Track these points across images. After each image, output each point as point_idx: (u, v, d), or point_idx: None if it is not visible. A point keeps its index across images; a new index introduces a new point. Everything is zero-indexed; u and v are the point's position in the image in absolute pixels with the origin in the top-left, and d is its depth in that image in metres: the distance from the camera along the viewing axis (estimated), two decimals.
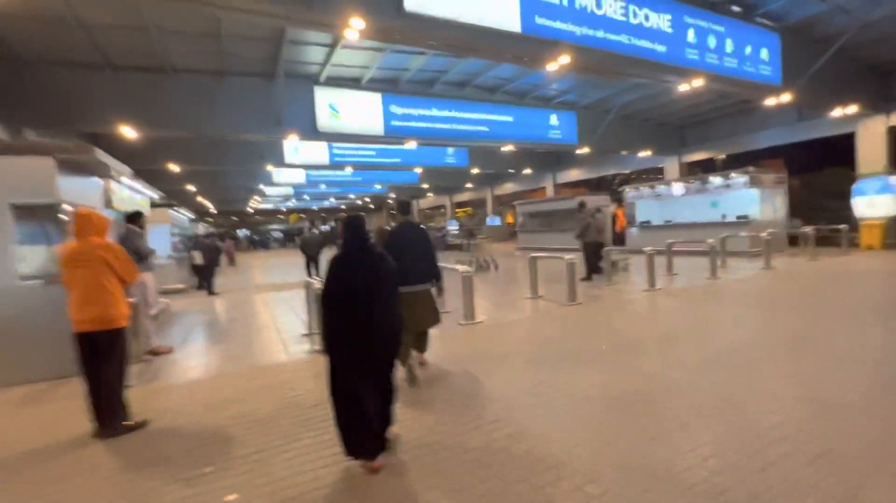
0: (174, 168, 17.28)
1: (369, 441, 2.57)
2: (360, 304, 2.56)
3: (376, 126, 12.39)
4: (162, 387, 4.43)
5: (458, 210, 39.87)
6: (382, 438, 2.61)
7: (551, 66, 8.27)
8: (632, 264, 11.48)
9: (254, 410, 3.61)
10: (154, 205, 13.00)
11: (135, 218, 5.66)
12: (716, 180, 13.91)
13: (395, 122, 12.65)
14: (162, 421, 3.51)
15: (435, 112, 13.26)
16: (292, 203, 42.52)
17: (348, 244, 2.72)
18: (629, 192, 16.75)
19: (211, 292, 11.28)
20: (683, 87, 10.32)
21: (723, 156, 19.22)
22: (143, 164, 17.12)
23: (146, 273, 5.53)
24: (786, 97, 10.80)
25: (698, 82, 9.64)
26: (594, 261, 9.62)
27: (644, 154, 18.83)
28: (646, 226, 16.14)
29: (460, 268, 6.33)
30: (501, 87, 14.18)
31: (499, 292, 9.24)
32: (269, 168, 19.04)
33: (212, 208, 43.51)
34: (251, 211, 46.94)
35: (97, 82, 9.67)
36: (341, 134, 11.93)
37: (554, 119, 15.43)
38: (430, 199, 41.49)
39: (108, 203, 6.84)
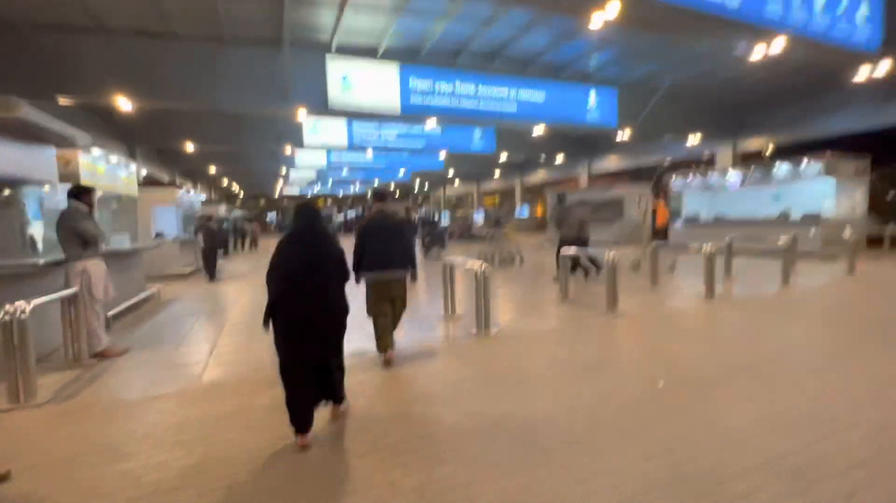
0: (189, 147, 16.72)
1: (311, 416, 2.71)
2: (301, 283, 2.64)
3: (393, 101, 11.20)
4: (78, 408, 3.46)
5: (485, 199, 38.39)
6: (341, 389, 2.94)
7: (596, 20, 6.82)
8: (678, 264, 9.95)
9: (183, 466, 2.56)
10: (153, 182, 12.39)
11: (80, 193, 4.69)
12: (782, 168, 12.00)
13: (414, 98, 11.42)
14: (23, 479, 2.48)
15: (459, 87, 11.94)
16: (318, 188, 42.15)
17: (298, 226, 2.81)
18: (674, 181, 14.95)
19: (211, 278, 10.52)
20: (755, 55, 8.60)
21: (770, 145, 16.97)
22: (160, 142, 16.73)
23: (91, 261, 4.59)
24: (884, 66, 8.88)
25: (778, 46, 7.90)
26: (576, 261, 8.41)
27: (693, 140, 16.86)
28: (693, 221, 14.36)
29: (472, 264, 5.10)
30: (535, 60, 12.68)
31: (523, 292, 7.97)
32: (288, 149, 18.21)
33: (240, 192, 43.91)
34: (278, 195, 46.95)
35: (90, 48, 8.90)
36: (355, 109, 10.82)
37: (593, 97, 13.80)
38: (457, 187, 40.18)
39: (70, 178, 6.03)
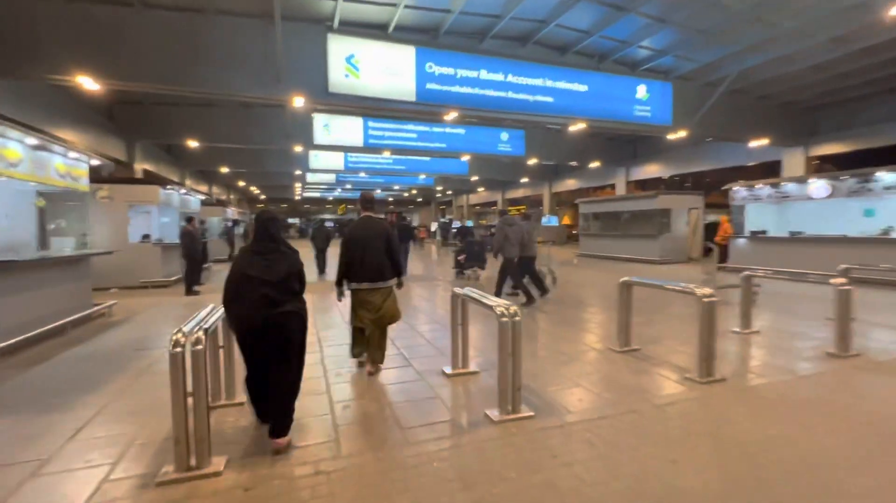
0: (193, 143, 15.52)
1: (275, 417, 2.73)
2: (258, 292, 2.64)
3: (406, 88, 9.50)
4: None
5: (510, 208, 36.35)
6: (288, 419, 2.76)
7: None
8: (760, 291, 7.79)
9: None
10: (132, 180, 11.04)
11: None
12: (884, 177, 9.65)
13: (431, 85, 9.69)
14: None
15: (484, 75, 10.14)
16: (338, 193, 41.09)
17: (256, 236, 2.85)
18: (736, 191, 12.69)
19: (188, 290, 8.99)
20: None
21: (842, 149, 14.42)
22: (162, 137, 15.59)
23: None
24: None
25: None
26: (520, 280, 7.57)
27: (757, 143, 14.52)
28: (760, 237, 12.05)
29: (497, 305, 3.22)
30: (575, 45, 10.79)
31: (557, 328, 6.02)
32: (299, 148, 16.81)
33: (260, 195, 43.34)
34: (298, 198, 46.19)
35: (46, 15, 7.50)
36: (361, 97, 9.16)
37: (642, 91, 11.77)
38: (481, 195, 38.35)
39: None
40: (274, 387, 2.72)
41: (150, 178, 11.04)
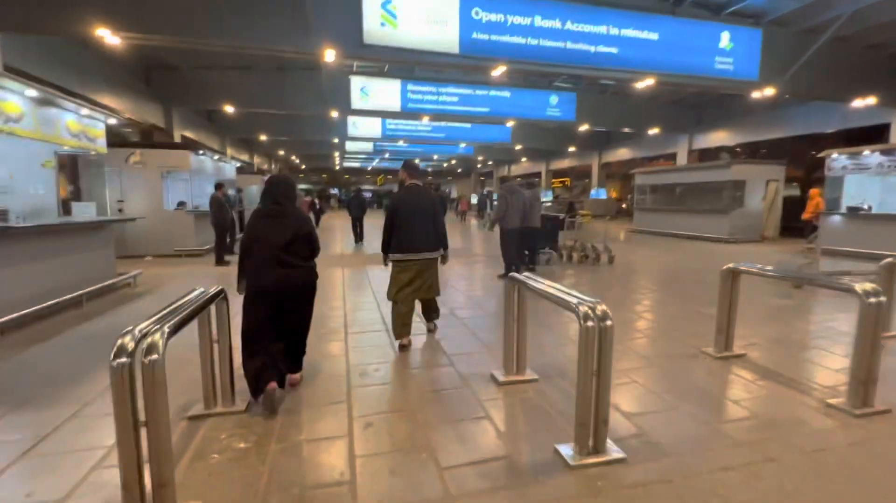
0: (229, 108, 15.12)
1: (288, 355, 2.87)
2: (276, 257, 2.71)
3: (449, 38, 8.36)
4: None
5: (554, 180, 34.53)
6: (300, 357, 3.03)
7: None
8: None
9: None
10: (164, 145, 10.68)
11: None
12: None
13: (477, 34, 8.50)
14: None
15: (539, 21, 8.79)
16: (377, 163, 40.51)
17: (265, 200, 2.86)
18: (835, 159, 10.77)
19: (218, 261, 8.60)
20: None
21: None
22: (199, 103, 15.27)
23: None
24: None
25: None
26: (515, 254, 7.15)
27: (863, 103, 12.28)
28: (859, 214, 10.24)
29: (582, 306, 2.28)
30: None
31: (629, 324, 5.01)
32: (335, 113, 16.07)
33: (301, 165, 43.54)
34: (338, 168, 46.10)
35: None
36: (398, 48, 8.14)
37: (725, 39, 9.97)
38: (523, 165, 36.56)
39: None
40: (285, 333, 2.86)
41: (183, 144, 10.66)
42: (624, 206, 29.27)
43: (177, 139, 14.88)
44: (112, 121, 6.29)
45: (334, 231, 17.62)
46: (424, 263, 3.82)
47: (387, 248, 3.87)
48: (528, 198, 7.29)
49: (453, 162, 40.15)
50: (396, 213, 3.77)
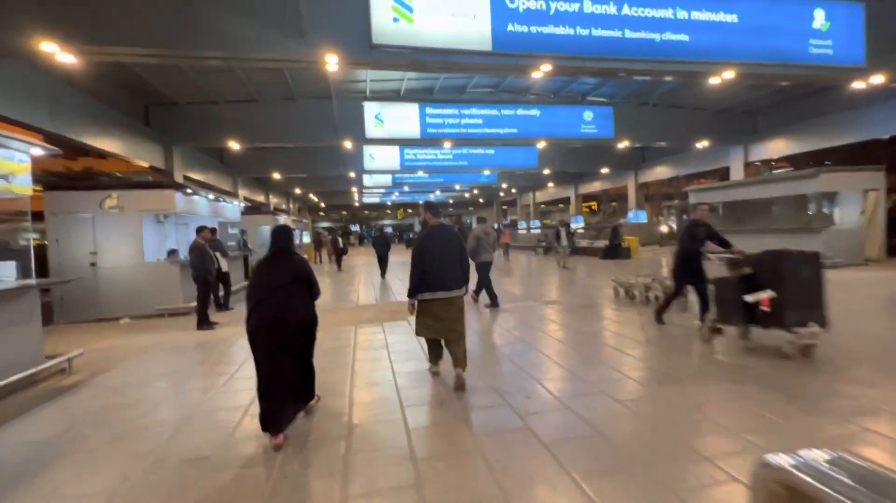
0: (234, 145, 13.90)
1: (282, 415, 2.97)
2: (276, 297, 2.96)
3: (479, 33, 6.69)
4: None
5: (584, 204, 32.46)
6: (292, 413, 3.12)
7: None
8: None
9: None
10: (144, 185, 9.26)
11: None
12: None
13: (514, 26, 6.80)
14: None
15: (589, 7, 7.06)
16: (396, 197, 39.36)
17: (271, 248, 3.18)
18: None
19: (201, 322, 6.81)
20: None
21: None
22: (204, 140, 14.13)
23: None
24: None
25: None
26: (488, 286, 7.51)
27: None
28: None
29: None
30: None
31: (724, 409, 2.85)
32: (348, 144, 14.69)
33: (319, 203, 42.84)
34: (357, 205, 45.23)
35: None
36: (415, 48, 6.49)
37: (820, 18, 8.01)
38: (550, 191, 34.63)
39: None
40: (293, 363, 3.10)
41: (168, 183, 9.25)
42: (664, 229, 26.78)
43: (178, 179, 13.68)
44: (37, 151, 4.68)
45: (355, 272, 15.86)
46: (451, 301, 3.79)
47: (415, 291, 3.79)
48: (486, 231, 7.76)
49: (475, 191, 38.57)
50: (424, 253, 3.77)
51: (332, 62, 6.52)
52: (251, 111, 13.77)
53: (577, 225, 29.83)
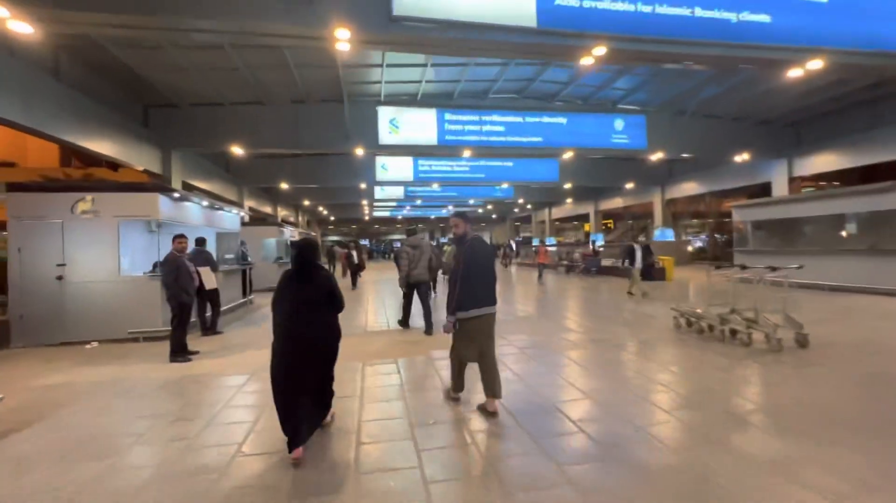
0: (236, 149, 12.88)
1: (301, 430, 2.89)
2: (301, 312, 2.97)
3: (521, 7, 5.53)
4: None
5: (605, 221, 31.05)
6: (311, 428, 3.05)
7: None
8: None
9: None
10: (123, 186, 8.19)
11: None
12: None
13: (563, 0, 5.64)
14: None
15: None
16: (407, 211, 38.35)
17: (296, 263, 3.10)
18: None
19: (176, 351, 5.56)
20: None
21: None
22: (206, 144, 13.15)
23: None
24: None
25: None
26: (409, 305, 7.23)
27: None
28: None
29: None
30: None
31: None
32: (360, 151, 13.60)
33: (329, 216, 42.00)
34: (367, 219, 44.27)
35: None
36: (442, 21, 5.35)
37: None
38: (567, 207, 33.30)
39: None
40: (318, 389, 3.11)
41: (151, 185, 8.14)
42: (689, 248, 25.22)
43: (176, 185, 12.68)
44: None
45: (367, 290, 14.57)
46: (492, 318, 3.64)
47: (459, 307, 3.45)
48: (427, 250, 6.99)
49: (489, 207, 37.42)
50: (472, 266, 3.49)
51: (343, 38, 5.38)
52: (257, 114, 12.80)
53: (599, 242, 28.45)
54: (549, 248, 21.42)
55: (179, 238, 5.72)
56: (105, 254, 6.91)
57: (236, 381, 4.68)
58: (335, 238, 51.31)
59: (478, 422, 3.43)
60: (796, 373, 4.46)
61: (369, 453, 2.98)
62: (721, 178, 20.03)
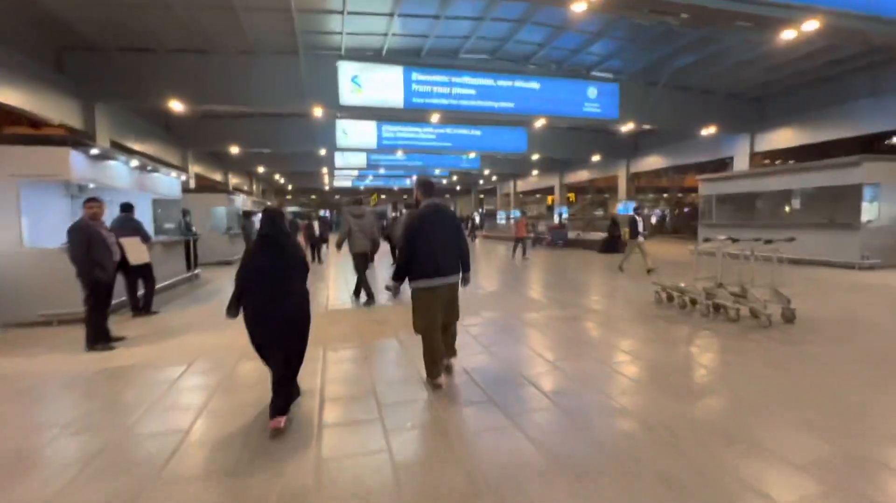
0: (175, 104, 11.34)
1: (276, 400, 2.83)
2: (269, 283, 2.85)
3: None
4: None
5: (569, 194, 31.11)
6: (287, 401, 2.91)
7: None
8: None
9: None
10: (21, 138, 6.93)
11: None
12: None
13: None
14: None
15: None
16: (369, 181, 36.83)
17: (261, 231, 2.98)
18: None
19: (93, 340, 4.63)
20: None
21: None
22: (138, 99, 11.53)
23: None
24: None
25: None
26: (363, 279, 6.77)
27: None
28: None
29: None
30: None
31: None
32: (318, 111, 12.40)
33: (286, 185, 39.72)
34: (327, 189, 42.30)
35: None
36: None
37: None
38: (533, 180, 33.07)
39: None
40: (279, 361, 2.88)
41: (60, 137, 6.77)
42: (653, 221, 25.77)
43: (102, 144, 11.07)
44: None
45: (329, 265, 13.66)
46: (450, 288, 3.51)
47: (404, 274, 3.44)
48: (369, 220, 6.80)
49: (454, 178, 36.58)
50: (418, 234, 3.37)
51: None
52: (200, 65, 11.27)
53: (563, 215, 28.53)
54: (500, 221, 21.04)
55: (90, 202, 4.68)
56: (2, 221, 5.70)
57: (168, 375, 3.89)
58: (294, 209, 48.89)
59: (473, 421, 2.88)
60: (798, 353, 4.20)
61: (335, 478, 2.35)
62: (684, 153, 20.22)
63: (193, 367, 4.07)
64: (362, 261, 6.72)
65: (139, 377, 3.89)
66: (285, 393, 2.89)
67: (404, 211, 8.63)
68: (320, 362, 4.13)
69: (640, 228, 10.11)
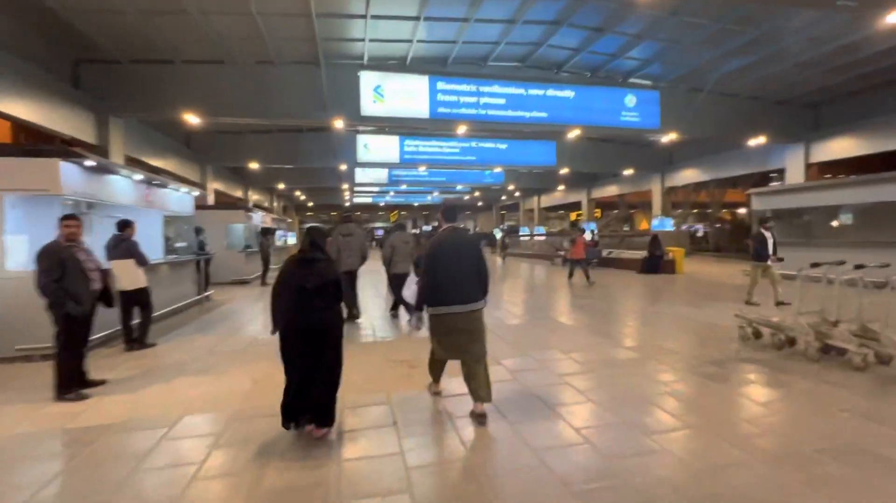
0: (191, 118, 10.83)
1: (311, 412, 2.99)
2: (306, 299, 2.94)
3: None
4: None
5: (597, 210, 29.85)
6: (330, 412, 3.01)
7: None
8: None
9: None
10: (21, 151, 6.28)
11: None
12: None
13: None
14: None
15: None
16: (390, 197, 36.34)
17: (303, 247, 3.11)
18: None
19: (62, 389, 3.78)
20: None
21: None
22: (154, 111, 11.07)
23: None
24: None
25: None
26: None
27: None
28: None
29: None
30: None
31: None
32: (339, 123, 11.74)
33: (307, 202, 39.59)
34: (348, 205, 42.05)
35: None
36: None
37: None
38: (557, 195, 31.92)
39: None
40: (317, 380, 2.97)
41: (48, 149, 6.06)
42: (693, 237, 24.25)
43: (210, 192, 10.68)
44: None
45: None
46: (468, 317, 3.26)
47: (423, 304, 3.34)
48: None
49: (476, 194, 35.70)
50: (437, 261, 3.27)
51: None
52: (217, 75, 10.79)
53: (590, 230, 27.22)
54: (523, 237, 19.94)
55: (67, 220, 3.88)
56: None
57: (141, 443, 2.99)
58: (314, 225, 48.86)
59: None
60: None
61: None
62: (725, 165, 18.88)
63: (175, 431, 3.17)
64: (348, 279, 6.72)
65: (102, 444, 2.99)
66: (329, 402, 3.02)
67: (425, 228, 8.45)
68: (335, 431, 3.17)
69: (771, 249, 7.80)
